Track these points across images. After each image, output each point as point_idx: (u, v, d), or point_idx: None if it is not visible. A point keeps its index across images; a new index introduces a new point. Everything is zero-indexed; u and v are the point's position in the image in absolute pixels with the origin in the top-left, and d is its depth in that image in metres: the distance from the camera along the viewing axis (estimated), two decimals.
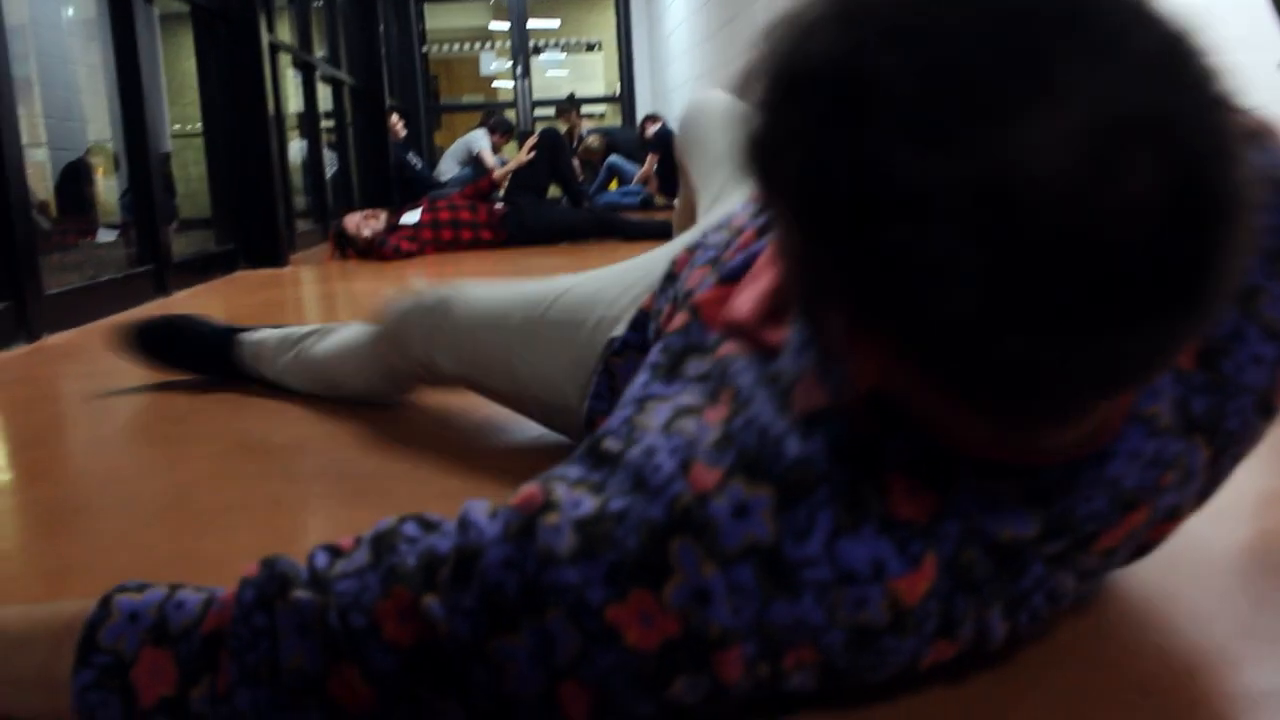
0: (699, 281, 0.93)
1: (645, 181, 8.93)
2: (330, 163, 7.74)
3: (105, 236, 5.07)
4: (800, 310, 0.61)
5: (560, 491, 0.64)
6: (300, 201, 7.13)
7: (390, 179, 8.62)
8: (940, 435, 0.61)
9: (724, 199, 1.40)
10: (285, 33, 6.78)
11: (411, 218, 5.10)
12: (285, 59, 6.09)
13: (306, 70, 6.55)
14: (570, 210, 5.38)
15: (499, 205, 5.22)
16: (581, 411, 1.24)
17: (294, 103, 6.97)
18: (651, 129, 9.00)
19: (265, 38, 4.66)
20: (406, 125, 9.21)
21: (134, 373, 2.21)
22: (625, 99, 11.54)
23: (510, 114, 11.37)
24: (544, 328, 1.30)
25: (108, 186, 7.88)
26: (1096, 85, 0.44)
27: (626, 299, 1.22)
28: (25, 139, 8.81)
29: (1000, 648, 0.71)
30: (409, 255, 4.88)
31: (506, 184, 5.51)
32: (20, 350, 2.64)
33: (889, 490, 0.62)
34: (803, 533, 0.61)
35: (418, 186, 8.98)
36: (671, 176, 8.86)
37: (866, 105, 0.46)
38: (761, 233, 0.88)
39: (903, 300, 0.48)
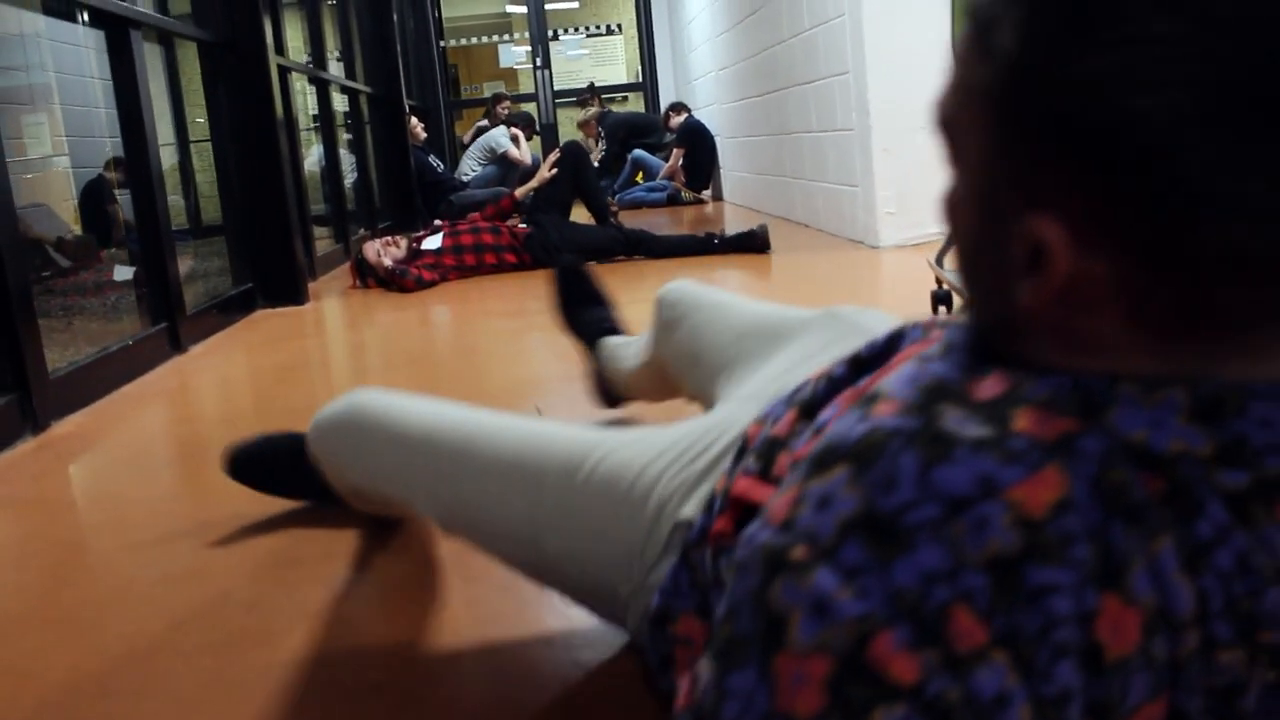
0: (790, 426, 0.83)
1: (671, 176, 8.74)
2: (349, 168, 7.61)
3: (122, 274, 4.95)
4: (986, 220, 0.57)
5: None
6: (318, 208, 7.02)
7: (412, 184, 8.48)
8: (1104, 356, 0.55)
9: (746, 382, 1.27)
10: (296, 37, 6.65)
11: (432, 243, 4.96)
12: (298, 78, 5.95)
13: (321, 85, 6.40)
14: (596, 229, 5.21)
15: (521, 226, 5.07)
16: (639, 604, 1.04)
17: (310, 108, 6.84)
18: (676, 120, 8.80)
19: (274, 63, 4.51)
20: (426, 127, 9.04)
21: (149, 466, 2.08)
22: (648, 85, 11.34)
23: (530, 107, 11.20)
24: (580, 498, 1.10)
25: (126, 200, 7.80)
26: None
27: (687, 475, 1.04)
28: (49, 149, 8.71)
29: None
30: (431, 285, 4.74)
31: (528, 202, 5.34)
32: (27, 445, 2.52)
33: (1010, 419, 0.53)
34: (889, 482, 0.52)
35: (440, 190, 8.85)
36: (699, 170, 8.69)
37: None
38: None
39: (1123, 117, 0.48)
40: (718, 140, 8.59)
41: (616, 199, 8.84)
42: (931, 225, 4.60)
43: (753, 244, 4.89)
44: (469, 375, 2.94)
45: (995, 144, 0.54)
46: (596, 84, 11.55)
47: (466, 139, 10.69)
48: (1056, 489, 0.51)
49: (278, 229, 4.51)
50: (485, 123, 10.52)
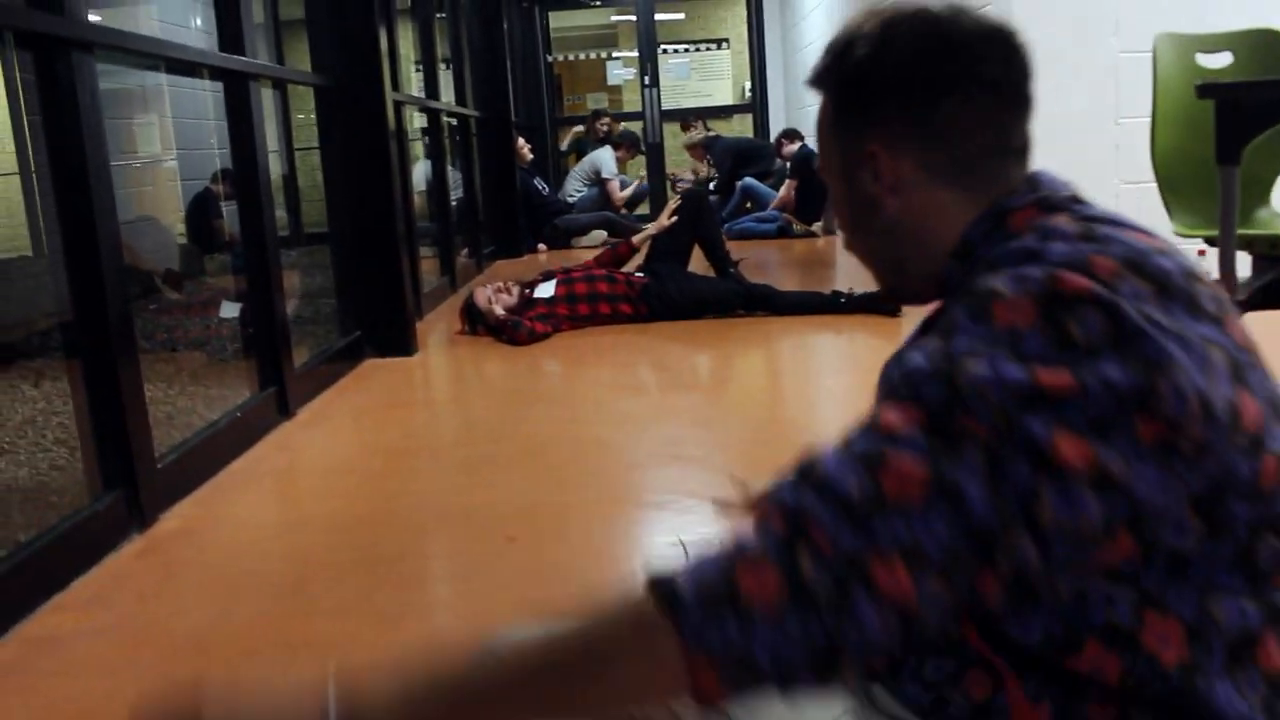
0: None
1: (783, 208, 8.47)
2: (455, 184, 7.47)
3: (228, 311, 4.84)
4: (843, 174, 0.97)
5: None
6: (423, 225, 6.90)
7: (517, 206, 8.33)
8: (916, 231, 0.94)
9: None
10: (407, 52, 6.53)
11: (545, 290, 4.76)
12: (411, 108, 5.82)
13: (432, 114, 6.26)
14: (716, 281, 4.97)
15: (638, 275, 4.86)
16: None
17: (417, 121, 6.72)
18: (789, 148, 8.54)
19: (390, 102, 4.36)
20: (533, 148, 8.89)
21: (253, 585, 1.90)
22: (757, 106, 11.06)
23: (635, 125, 11.00)
24: None
25: (231, 212, 7.76)
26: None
27: None
28: (158, 148, 8.67)
29: None
30: (544, 337, 4.54)
31: (646, 250, 5.13)
32: (133, 548, 2.36)
33: None
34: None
35: (545, 212, 8.70)
36: (811, 202, 8.41)
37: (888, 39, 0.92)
38: None
39: (897, 85, 0.91)
40: None
41: (725, 228, 8.60)
42: None
43: (882, 306, 4.62)
44: (603, 474, 2.73)
45: (840, 133, 0.96)
46: (701, 103, 11.35)
47: (564, 146, 10.55)
48: None
49: (388, 279, 4.35)
50: (580, 128, 10.38)
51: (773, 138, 10.16)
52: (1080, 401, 0.71)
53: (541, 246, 8.61)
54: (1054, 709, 0.80)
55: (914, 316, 0.95)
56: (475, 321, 4.76)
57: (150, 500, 2.48)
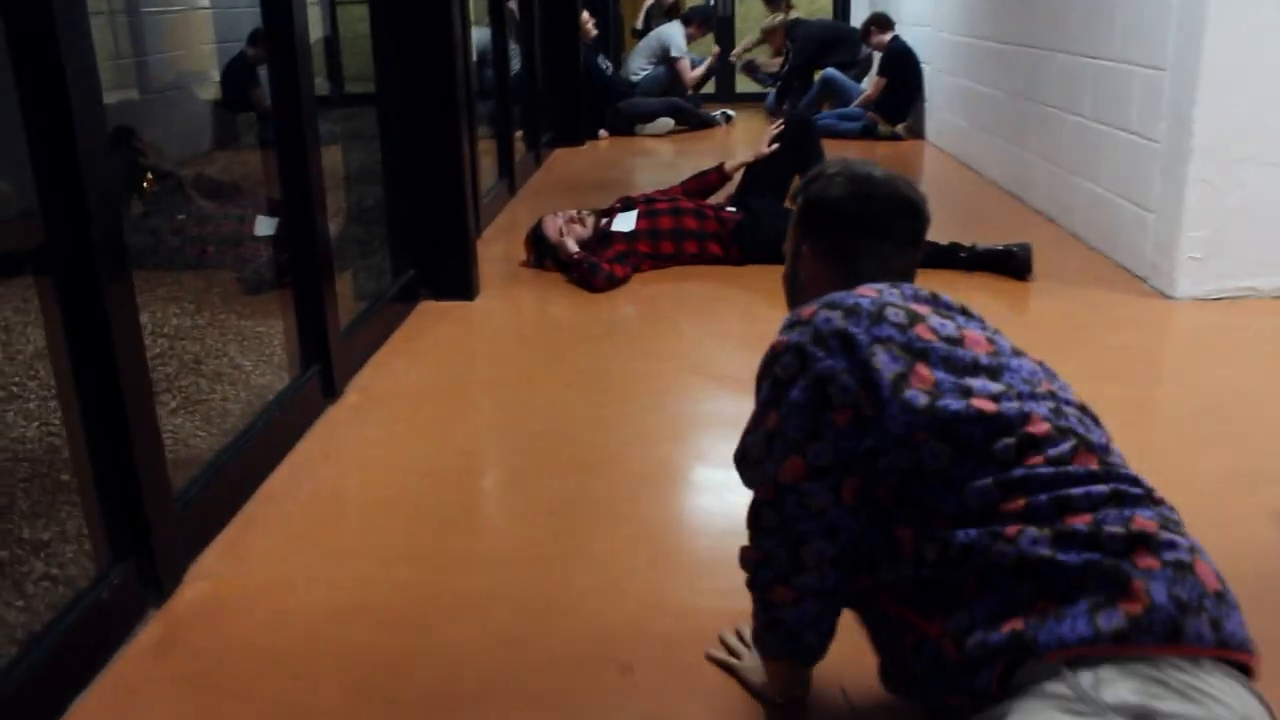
0: None
1: (868, 105, 7.74)
2: (513, 55, 6.80)
3: (264, 229, 4.29)
4: (794, 256, 1.60)
5: None
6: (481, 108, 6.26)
7: (579, 89, 7.64)
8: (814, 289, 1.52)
9: None
10: None
11: (625, 223, 4.18)
12: None
13: (495, 7, 5.57)
14: None
15: (730, 210, 4.26)
16: None
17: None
18: (879, 38, 7.76)
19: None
20: (598, 22, 8.14)
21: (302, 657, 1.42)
22: None
23: None
24: None
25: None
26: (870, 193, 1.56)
27: None
28: None
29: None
30: (623, 281, 3.98)
31: (739, 180, 4.51)
32: (149, 634, 1.88)
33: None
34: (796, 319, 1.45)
35: (608, 94, 8.01)
36: (898, 101, 7.68)
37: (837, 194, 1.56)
38: None
39: (827, 216, 1.55)
40: (926, 71, 7.54)
41: None
42: (1248, 278, 3.69)
43: (1009, 265, 4.03)
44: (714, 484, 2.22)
45: (795, 227, 1.60)
46: None
47: (639, 23, 9.76)
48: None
49: (448, 206, 3.78)
50: (647, 2, 9.57)
51: (854, 22, 9.37)
52: (785, 428, 1.35)
53: (603, 133, 7.95)
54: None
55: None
56: (543, 255, 4.20)
57: (168, 564, 1.98)
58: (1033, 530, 1.17)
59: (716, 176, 4.50)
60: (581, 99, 7.66)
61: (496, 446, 2.71)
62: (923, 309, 1.39)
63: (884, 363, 1.29)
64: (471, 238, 3.86)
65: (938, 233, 5.11)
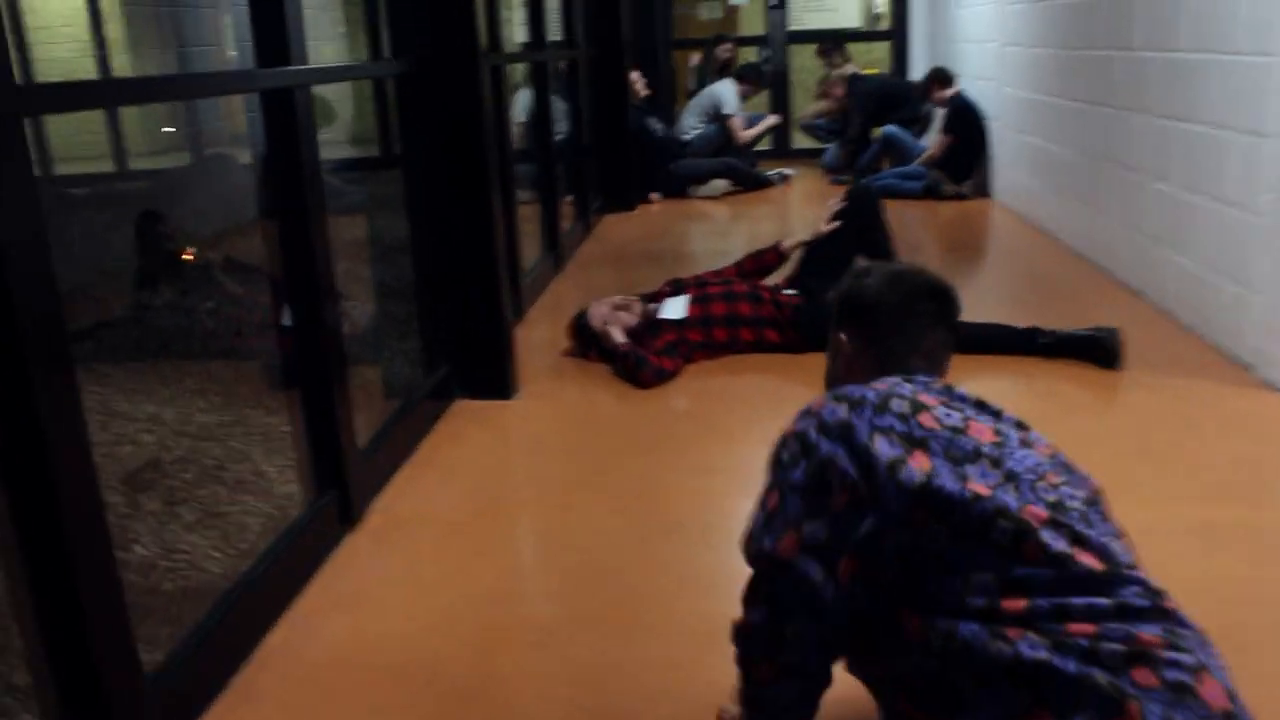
0: None
1: (931, 164, 7.42)
2: (561, 118, 6.55)
3: (289, 319, 4.06)
4: (832, 348, 1.72)
5: None
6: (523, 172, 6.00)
7: (629, 150, 7.39)
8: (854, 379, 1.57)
9: None
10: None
11: (675, 310, 3.88)
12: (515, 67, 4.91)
13: (539, 69, 5.34)
14: None
15: (788, 293, 3.95)
16: None
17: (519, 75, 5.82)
18: (941, 93, 7.44)
19: (487, 83, 3.47)
20: (649, 82, 7.90)
21: None
22: (897, 33, 9.85)
23: (754, 54, 9.93)
24: None
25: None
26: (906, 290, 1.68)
27: None
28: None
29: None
30: (672, 375, 3.68)
31: (797, 260, 4.20)
32: None
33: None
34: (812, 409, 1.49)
35: (660, 155, 7.76)
36: (963, 158, 7.34)
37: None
38: None
39: (860, 307, 1.68)
40: (992, 128, 7.21)
41: (863, 183, 7.58)
42: None
43: (1095, 353, 3.67)
44: None
45: (834, 328, 1.71)
46: (824, 25, 10.19)
47: (691, 84, 9.52)
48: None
49: (482, 304, 3.51)
50: (696, 60, 9.33)
51: (910, 75, 9.08)
52: (784, 506, 1.38)
53: (655, 196, 7.69)
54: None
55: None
56: (587, 345, 3.91)
57: None
58: (1032, 635, 1.19)
59: (774, 256, 4.20)
60: (632, 161, 7.42)
61: (528, 591, 2.40)
62: (930, 400, 1.43)
63: (882, 449, 1.34)
64: (507, 331, 3.58)
65: (1010, 301, 4.93)
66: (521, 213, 5.82)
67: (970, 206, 7.11)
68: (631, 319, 3.89)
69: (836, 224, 4.04)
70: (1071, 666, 1.16)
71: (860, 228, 4.04)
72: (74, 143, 7.47)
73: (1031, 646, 1.19)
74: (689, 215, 7.31)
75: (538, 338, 4.30)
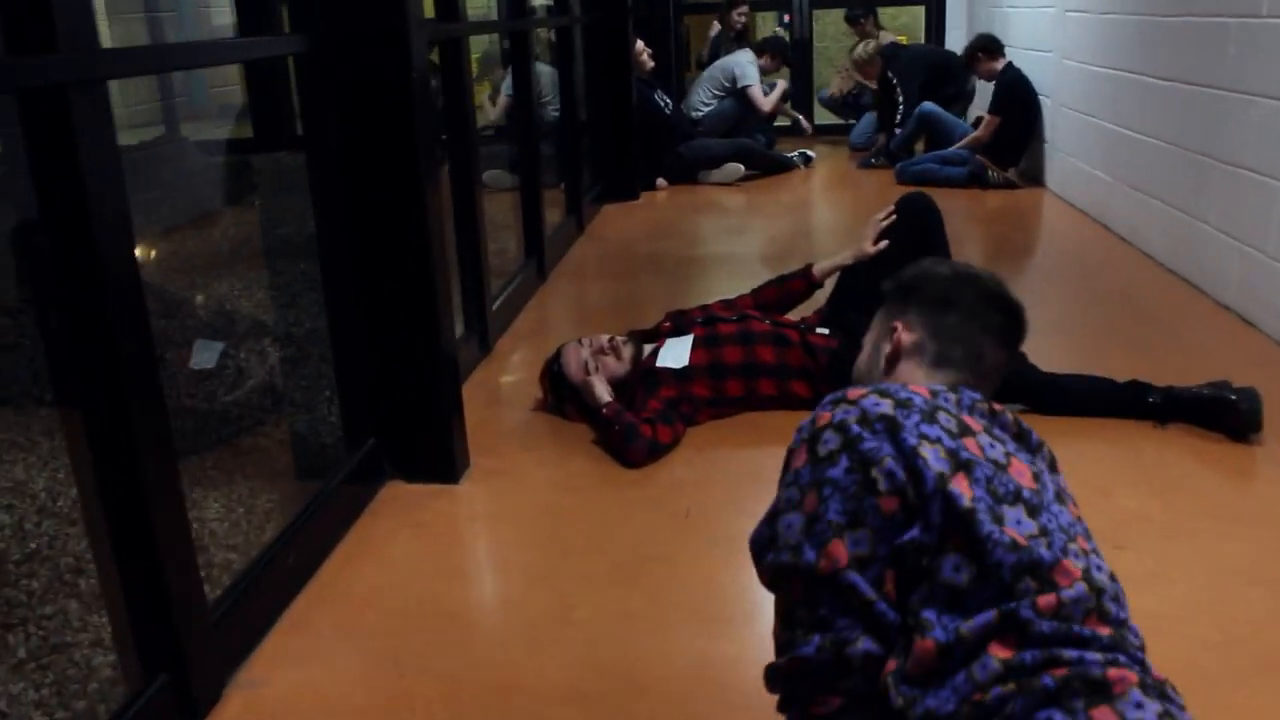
0: None
1: (976, 148, 6.52)
2: (548, 93, 5.68)
3: (202, 358, 3.22)
4: (880, 333, 1.56)
5: None
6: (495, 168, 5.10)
7: (632, 130, 6.50)
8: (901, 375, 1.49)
9: None
10: None
11: (676, 355, 3.02)
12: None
13: (518, 39, 4.46)
14: None
15: (820, 332, 3.08)
16: None
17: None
18: (988, 65, 6.53)
19: (417, 50, 2.59)
20: (654, 53, 6.99)
21: None
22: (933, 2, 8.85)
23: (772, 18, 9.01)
24: None
25: None
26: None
27: None
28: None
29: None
30: (668, 448, 2.83)
31: (833, 289, 3.32)
32: None
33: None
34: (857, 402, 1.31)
35: (667, 135, 6.86)
36: (1009, 140, 6.43)
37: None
38: None
39: (930, 295, 1.50)
40: (1046, 105, 6.30)
41: (898, 169, 6.69)
42: None
43: (1225, 419, 2.81)
44: None
45: (886, 314, 1.56)
46: None
47: (705, 55, 8.61)
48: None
49: (416, 354, 2.65)
50: (715, 29, 8.41)
51: (947, 46, 8.17)
52: (825, 510, 1.22)
53: (661, 182, 6.81)
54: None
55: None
56: (563, 398, 3.06)
57: None
58: (998, 689, 1.12)
59: (802, 285, 3.30)
60: (636, 143, 6.52)
61: None
62: (976, 424, 1.30)
63: (931, 457, 1.21)
64: (451, 387, 2.72)
65: (1085, 329, 3.79)
66: (495, 209, 4.97)
67: (1021, 197, 6.21)
68: (620, 367, 3.03)
69: (884, 244, 3.15)
70: (1018, 708, 1.10)
71: (915, 248, 3.16)
72: None
73: (998, 699, 1.12)
74: (700, 206, 6.42)
75: (507, 380, 3.45)
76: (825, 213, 6.30)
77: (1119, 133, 5.02)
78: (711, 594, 2.15)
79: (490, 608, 2.17)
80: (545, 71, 5.85)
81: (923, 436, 1.23)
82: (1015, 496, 1.23)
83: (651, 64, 6.88)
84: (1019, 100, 6.30)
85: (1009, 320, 1.49)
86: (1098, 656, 1.13)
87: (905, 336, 1.47)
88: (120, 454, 1.65)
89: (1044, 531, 1.21)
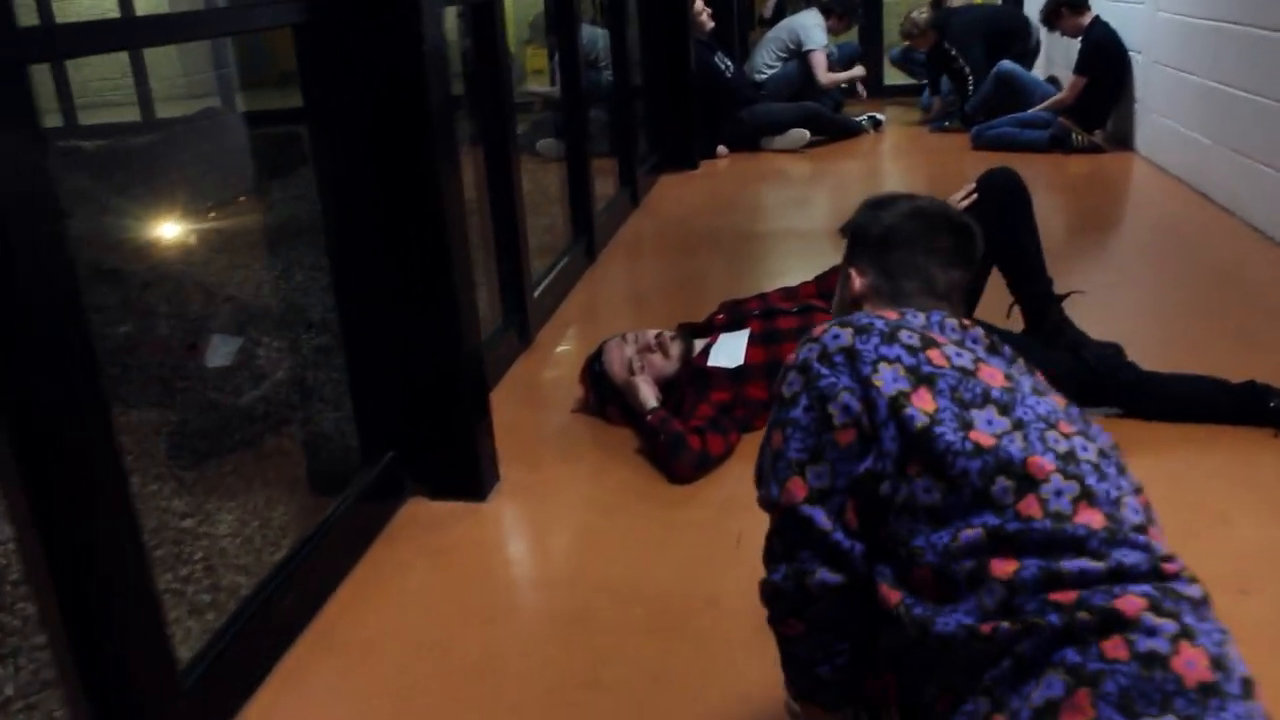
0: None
1: (1059, 110, 6.09)
2: (599, 54, 5.36)
3: (220, 354, 2.99)
4: (842, 280, 1.56)
5: None
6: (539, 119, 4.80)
7: (691, 95, 6.16)
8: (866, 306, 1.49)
9: None
10: None
11: (730, 352, 2.72)
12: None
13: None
14: (1035, 345, 2.76)
15: None
16: None
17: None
18: (1074, 21, 6.09)
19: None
20: (714, 13, 6.62)
21: None
22: None
23: None
24: None
25: None
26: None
27: None
28: None
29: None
30: (722, 459, 2.54)
31: None
32: None
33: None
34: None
35: (728, 100, 6.50)
36: (1101, 104, 6.00)
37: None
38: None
39: (873, 238, 1.50)
40: (1136, 61, 5.85)
41: (973, 132, 6.28)
42: None
43: None
44: None
45: (844, 261, 1.55)
46: None
47: (767, 11, 8.21)
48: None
49: (437, 352, 2.38)
50: None
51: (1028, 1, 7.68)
52: (786, 448, 1.28)
53: (722, 149, 6.46)
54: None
55: None
56: (605, 398, 2.78)
57: None
58: (1005, 625, 1.11)
59: None
60: (695, 109, 6.18)
61: None
62: (941, 337, 1.33)
63: (886, 379, 1.26)
64: (474, 401, 2.45)
65: (1187, 314, 3.33)
66: (550, 180, 4.67)
67: (1107, 162, 5.78)
68: (667, 365, 2.74)
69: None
70: (1029, 649, 1.09)
71: (999, 230, 2.82)
72: None
73: (1007, 638, 1.11)
74: (763, 174, 6.07)
75: (548, 375, 3.17)
76: (897, 182, 5.92)
77: (1221, 90, 4.59)
78: (763, 645, 1.86)
79: (510, 661, 1.89)
80: (600, 34, 5.52)
81: (881, 358, 1.27)
82: (984, 398, 1.25)
83: (711, 24, 6.50)
84: (1108, 58, 5.85)
85: (956, 240, 1.51)
86: (1099, 566, 1.12)
87: (859, 281, 1.52)
88: (61, 491, 1.39)
89: (1019, 425, 1.23)
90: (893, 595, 1.21)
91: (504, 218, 3.33)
